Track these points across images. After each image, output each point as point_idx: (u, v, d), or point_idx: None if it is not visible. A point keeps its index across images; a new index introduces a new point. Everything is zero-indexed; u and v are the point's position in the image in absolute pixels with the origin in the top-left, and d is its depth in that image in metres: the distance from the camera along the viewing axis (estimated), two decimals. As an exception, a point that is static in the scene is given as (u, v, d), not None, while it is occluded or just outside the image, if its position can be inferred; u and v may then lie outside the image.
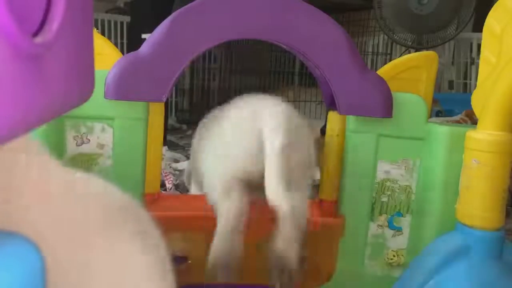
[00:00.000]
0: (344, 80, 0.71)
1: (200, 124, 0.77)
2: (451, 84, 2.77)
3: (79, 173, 0.34)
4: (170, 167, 1.59)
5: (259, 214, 0.78)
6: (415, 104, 0.74)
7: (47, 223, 0.27)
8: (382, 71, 0.80)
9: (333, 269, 0.77)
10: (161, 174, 1.23)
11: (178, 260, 0.76)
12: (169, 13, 0.71)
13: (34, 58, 0.22)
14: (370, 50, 3.13)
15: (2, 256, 0.21)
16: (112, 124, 0.72)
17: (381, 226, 0.76)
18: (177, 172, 1.58)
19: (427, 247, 0.67)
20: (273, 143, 0.56)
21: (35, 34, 0.22)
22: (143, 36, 2.01)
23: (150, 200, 0.77)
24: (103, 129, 0.72)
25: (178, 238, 0.78)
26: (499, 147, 0.60)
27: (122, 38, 2.86)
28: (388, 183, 0.75)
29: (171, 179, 1.43)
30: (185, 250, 0.78)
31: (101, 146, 0.72)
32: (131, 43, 2.26)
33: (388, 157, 0.74)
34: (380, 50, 3.09)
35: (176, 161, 1.73)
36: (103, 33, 2.63)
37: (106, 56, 0.73)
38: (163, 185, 1.41)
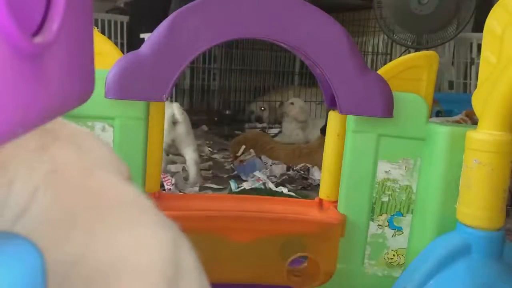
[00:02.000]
0: (345, 80, 0.71)
1: None
2: (451, 84, 2.77)
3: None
4: (166, 169, 1.59)
5: (258, 214, 0.78)
6: (415, 104, 0.74)
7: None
8: (383, 71, 0.80)
9: (333, 269, 0.77)
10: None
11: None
12: (167, 13, 0.71)
13: (34, 58, 0.22)
14: (370, 50, 3.13)
15: (2, 256, 0.21)
16: (113, 123, 0.72)
17: (381, 226, 0.76)
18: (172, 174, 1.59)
19: (427, 247, 0.67)
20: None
21: (35, 34, 0.22)
22: (142, 36, 2.01)
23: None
24: (103, 129, 0.72)
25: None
26: (499, 147, 0.60)
27: (122, 38, 2.86)
28: (388, 183, 0.75)
29: (169, 180, 1.44)
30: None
31: (101, 146, 0.72)
32: (130, 42, 2.27)
33: (388, 157, 0.74)
34: (380, 50, 3.09)
35: (174, 162, 1.73)
36: (103, 33, 2.63)
37: (107, 56, 0.73)
38: (161, 185, 1.41)
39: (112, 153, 0.39)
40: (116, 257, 0.30)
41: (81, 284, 0.29)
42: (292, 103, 2.46)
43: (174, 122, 1.46)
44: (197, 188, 1.49)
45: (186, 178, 1.56)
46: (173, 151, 1.59)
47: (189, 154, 1.52)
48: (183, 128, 1.50)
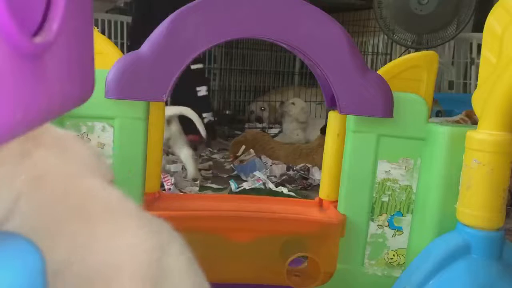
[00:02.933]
0: (345, 80, 0.71)
1: None
2: (451, 84, 2.77)
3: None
4: (165, 169, 1.60)
5: (258, 214, 0.78)
6: (415, 103, 0.74)
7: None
8: (383, 71, 0.80)
9: (333, 269, 0.77)
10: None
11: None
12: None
13: (34, 58, 0.22)
14: (370, 50, 3.13)
15: (2, 256, 0.21)
16: (113, 123, 0.72)
17: (381, 226, 0.76)
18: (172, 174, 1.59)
19: (427, 247, 0.67)
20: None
21: (35, 34, 0.22)
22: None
23: (150, 200, 0.77)
24: (103, 129, 0.72)
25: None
26: (499, 147, 0.60)
27: (122, 38, 2.86)
28: (388, 183, 0.75)
29: (169, 180, 1.44)
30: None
31: (102, 145, 0.72)
32: (132, 43, 2.27)
33: (388, 157, 0.74)
34: (380, 50, 3.09)
35: (174, 162, 1.73)
36: (103, 33, 2.63)
37: (107, 56, 0.73)
38: (161, 185, 1.41)
39: (96, 156, 0.39)
40: (101, 262, 0.30)
41: None
42: (293, 103, 2.46)
43: (168, 121, 1.49)
44: (197, 188, 1.50)
45: (185, 177, 1.57)
46: (172, 151, 1.62)
47: (184, 151, 1.57)
48: (177, 126, 1.54)
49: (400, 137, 0.74)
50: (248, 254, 0.77)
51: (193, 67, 2.10)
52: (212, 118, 2.24)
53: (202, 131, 1.64)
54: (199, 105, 2.12)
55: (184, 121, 1.76)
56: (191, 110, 1.59)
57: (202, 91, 2.17)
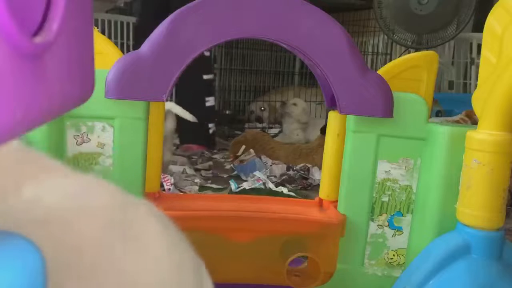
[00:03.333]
0: (345, 80, 0.71)
1: None
2: (451, 84, 2.77)
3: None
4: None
5: (258, 214, 0.78)
6: (415, 103, 0.74)
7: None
8: (383, 71, 0.80)
9: (333, 269, 0.77)
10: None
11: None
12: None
13: (34, 58, 0.22)
14: (370, 50, 3.13)
15: (2, 256, 0.21)
16: (113, 123, 0.72)
17: (381, 226, 0.76)
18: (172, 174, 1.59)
19: (427, 247, 0.67)
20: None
21: (35, 34, 0.22)
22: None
23: (150, 200, 0.77)
24: (103, 129, 0.72)
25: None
26: (499, 147, 0.60)
27: (122, 38, 2.86)
28: (388, 183, 0.75)
29: (169, 180, 1.44)
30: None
31: (102, 145, 0.72)
32: (136, 43, 2.27)
33: (388, 157, 0.74)
34: (380, 50, 3.09)
35: (174, 163, 1.73)
36: (103, 33, 2.63)
37: (107, 56, 0.73)
38: (161, 185, 1.41)
39: None
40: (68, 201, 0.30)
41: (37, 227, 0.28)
42: (294, 104, 2.46)
43: None
44: (197, 188, 1.50)
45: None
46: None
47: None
48: (172, 122, 1.59)
49: (400, 137, 0.74)
50: (248, 254, 0.77)
51: (205, 77, 2.11)
52: (215, 128, 2.27)
53: (191, 119, 1.67)
54: (207, 115, 2.14)
55: (186, 129, 1.78)
56: (174, 104, 1.65)
57: (210, 101, 2.19)
